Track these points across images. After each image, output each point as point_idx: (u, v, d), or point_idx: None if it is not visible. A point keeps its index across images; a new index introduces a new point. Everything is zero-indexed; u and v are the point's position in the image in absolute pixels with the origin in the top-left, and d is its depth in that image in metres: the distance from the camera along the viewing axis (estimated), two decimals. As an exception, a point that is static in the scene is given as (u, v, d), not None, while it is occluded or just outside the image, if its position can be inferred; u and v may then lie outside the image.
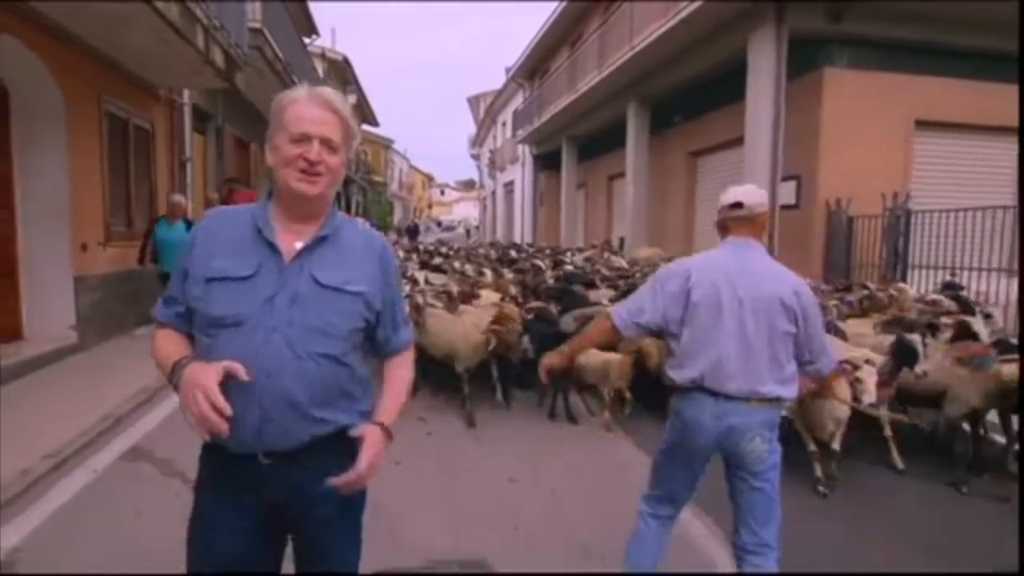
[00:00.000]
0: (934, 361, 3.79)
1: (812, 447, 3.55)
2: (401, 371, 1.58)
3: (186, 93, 9.03)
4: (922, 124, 9.41)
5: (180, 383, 1.29)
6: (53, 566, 2.64)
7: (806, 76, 9.19)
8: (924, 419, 4.56)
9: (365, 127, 32.99)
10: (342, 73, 23.69)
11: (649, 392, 4.61)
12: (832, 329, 4.76)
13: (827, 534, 3.10)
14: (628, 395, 4.71)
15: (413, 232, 31.81)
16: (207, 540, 1.39)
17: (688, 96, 12.28)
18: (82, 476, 3.55)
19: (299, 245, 1.38)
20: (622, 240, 14.51)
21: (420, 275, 7.46)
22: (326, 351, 1.36)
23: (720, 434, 2.07)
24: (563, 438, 4.46)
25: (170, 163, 8.81)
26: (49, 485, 3.39)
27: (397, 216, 44.16)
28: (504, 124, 29.57)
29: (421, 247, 14.70)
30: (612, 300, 5.54)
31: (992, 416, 4.10)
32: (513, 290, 6.49)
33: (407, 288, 6.17)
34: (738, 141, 9.87)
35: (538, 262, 9.32)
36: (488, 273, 8.12)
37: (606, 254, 11.52)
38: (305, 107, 1.37)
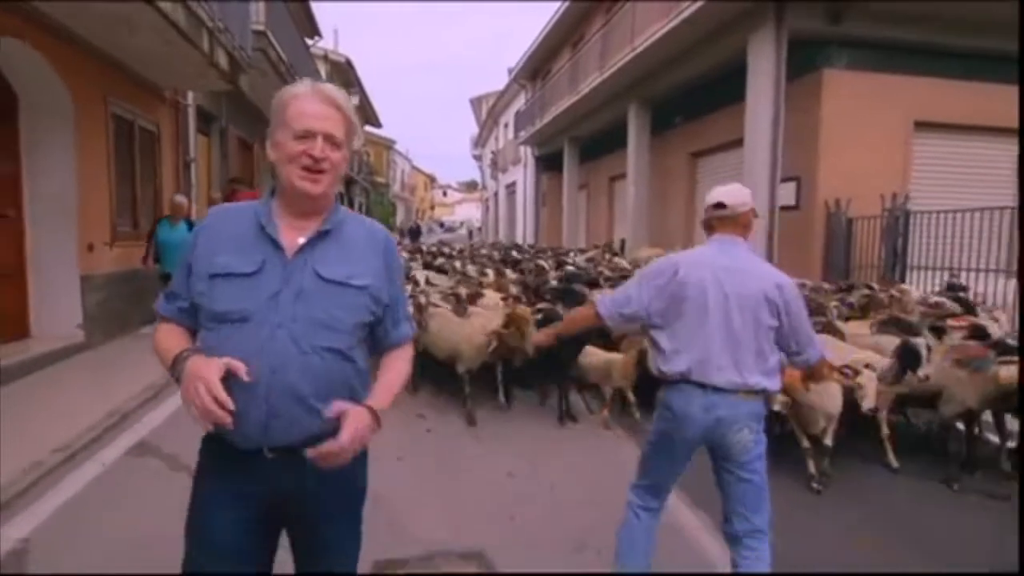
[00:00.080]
0: (934, 362, 3.83)
1: (806, 444, 3.61)
2: (399, 363, 1.57)
3: (190, 95, 9.11)
4: (921, 125, 9.46)
5: (182, 375, 1.30)
6: (63, 556, 2.72)
7: (806, 77, 9.25)
8: (920, 419, 4.63)
9: (367, 128, 33.11)
10: (344, 75, 23.79)
11: (652, 392, 4.65)
12: (830, 329, 4.83)
13: (820, 530, 3.15)
14: (632, 397, 4.73)
15: (415, 233, 31.92)
16: (207, 530, 1.40)
17: (689, 97, 12.34)
18: (91, 469, 3.63)
19: (301, 240, 1.39)
20: (623, 242, 14.57)
21: (422, 275, 7.53)
22: (331, 345, 1.37)
23: (708, 426, 2.13)
24: (562, 436, 4.52)
25: (175, 164, 8.90)
26: (59, 478, 3.47)
27: (399, 217, 44.26)
28: (506, 125, 29.64)
29: (424, 247, 14.78)
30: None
31: (987, 415, 4.15)
32: (514, 290, 6.55)
33: (409, 288, 6.24)
34: (738, 142, 9.92)
35: (541, 262, 9.40)
36: (490, 273, 8.20)
37: (607, 255, 11.58)
38: (308, 103, 1.37)
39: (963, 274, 7.26)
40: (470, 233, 42.40)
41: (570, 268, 8.89)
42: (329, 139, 1.37)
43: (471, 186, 68.01)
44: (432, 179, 72.48)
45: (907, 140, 9.44)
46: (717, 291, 2.14)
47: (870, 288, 6.34)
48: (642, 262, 10.14)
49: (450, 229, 54.53)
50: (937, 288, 7.30)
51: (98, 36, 6.19)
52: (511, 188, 30.16)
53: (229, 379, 1.26)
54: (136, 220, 7.61)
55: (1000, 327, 4.85)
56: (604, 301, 2.37)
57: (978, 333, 4.22)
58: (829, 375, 2.46)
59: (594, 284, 6.94)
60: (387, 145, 41.89)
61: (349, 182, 27.17)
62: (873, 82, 9.15)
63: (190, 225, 6.86)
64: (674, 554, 2.80)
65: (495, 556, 2.78)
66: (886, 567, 2.82)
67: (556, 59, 20.43)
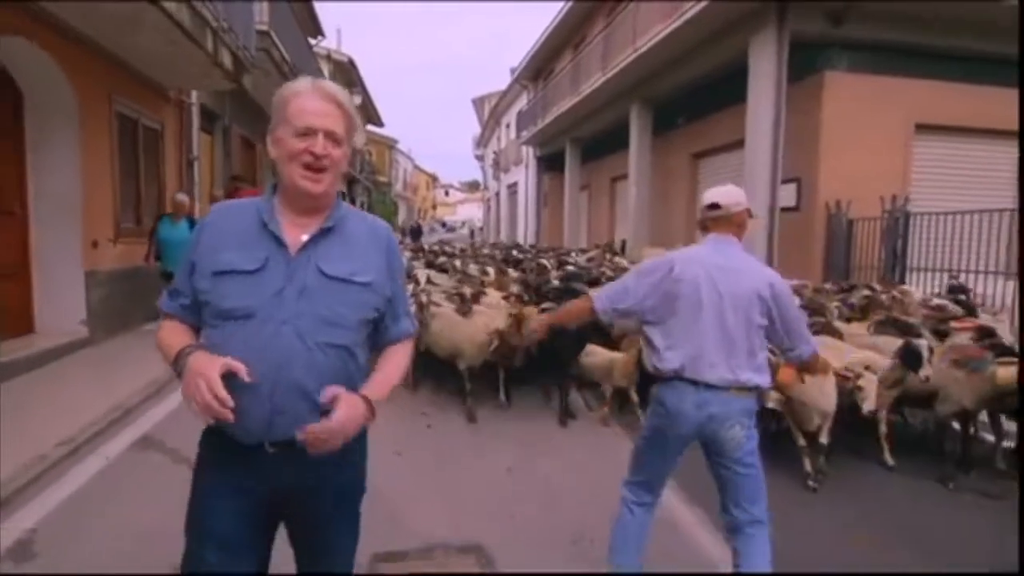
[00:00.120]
0: (934, 364, 3.86)
1: (802, 442, 3.64)
2: (397, 357, 1.56)
3: (194, 94, 9.16)
4: (922, 127, 9.48)
5: (184, 371, 1.31)
6: (69, 545, 2.77)
7: (807, 79, 9.28)
8: (916, 418, 4.67)
9: (370, 128, 33.16)
10: (347, 74, 23.85)
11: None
12: (829, 330, 4.86)
13: (816, 527, 3.17)
14: (635, 396, 4.74)
15: (417, 232, 31.96)
16: (207, 522, 1.40)
17: (690, 98, 12.37)
18: (95, 463, 3.68)
19: (305, 238, 1.40)
20: (624, 243, 14.61)
21: (423, 274, 7.57)
22: (335, 342, 1.38)
23: (701, 422, 2.16)
24: (561, 434, 4.56)
25: (178, 162, 8.95)
26: (63, 471, 3.52)
27: (401, 216, 44.31)
28: (508, 125, 29.69)
29: (426, 247, 14.83)
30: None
31: (982, 415, 4.18)
32: (515, 288, 6.59)
33: (411, 287, 6.27)
34: (740, 143, 9.95)
35: (543, 261, 9.44)
36: (491, 272, 8.24)
37: (607, 256, 11.62)
38: (309, 100, 1.37)
39: (962, 276, 7.28)
40: (472, 233, 42.44)
41: (571, 268, 8.93)
42: (330, 136, 1.38)
43: (473, 186, 68.08)
44: (434, 179, 72.52)
45: (908, 142, 9.46)
46: (711, 289, 2.18)
47: (871, 289, 6.35)
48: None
49: (451, 229, 54.58)
50: (937, 290, 7.34)
51: (104, 36, 6.25)
52: (513, 188, 30.21)
53: (232, 376, 1.27)
54: (139, 217, 7.66)
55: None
56: (600, 296, 2.41)
57: (985, 335, 4.20)
58: (824, 368, 2.50)
59: (595, 283, 6.97)
60: (389, 144, 41.96)
61: (351, 181, 27.22)
62: (874, 84, 9.18)
63: (191, 223, 6.86)
64: (671, 550, 2.84)
65: (493, 549, 2.82)
66: (882, 565, 2.85)
67: (558, 59, 20.48)
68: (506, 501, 3.39)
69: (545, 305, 5.57)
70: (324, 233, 1.42)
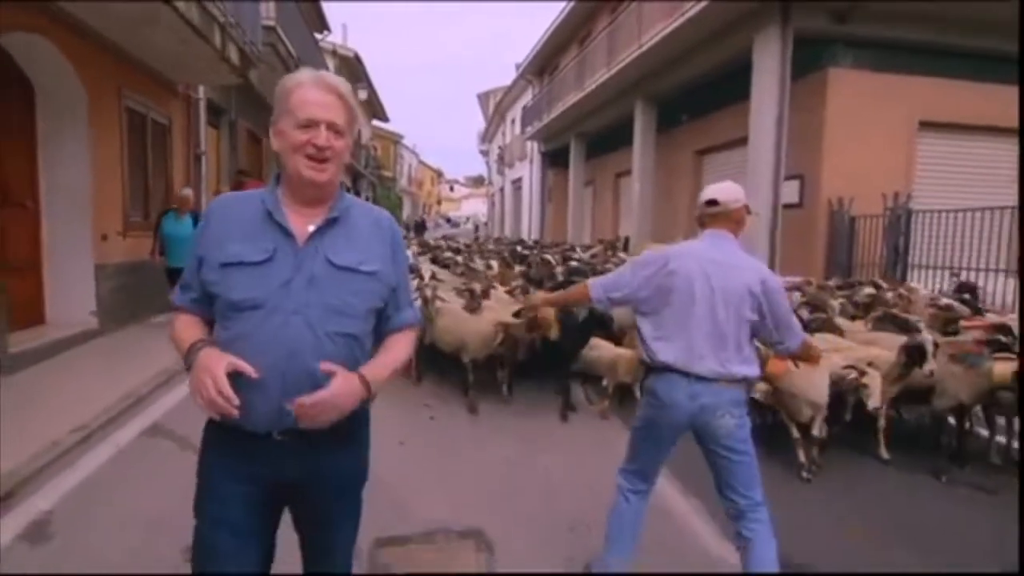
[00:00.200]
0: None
1: (796, 434, 3.71)
2: (399, 345, 1.57)
3: (201, 88, 9.24)
4: (925, 125, 9.50)
5: (192, 367, 1.34)
6: (82, 527, 2.87)
7: (810, 76, 9.29)
8: (911, 413, 4.72)
9: (375, 123, 33.22)
10: (353, 69, 23.89)
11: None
12: (830, 327, 4.91)
13: (810, 519, 3.23)
14: (638, 394, 4.80)
15: (420, 227, 32.05)
16: (217, 510, 1.42)
17: (694, 95, 12.39)
18: (106, 450, 3.78)
19: (311, 228, 1.41)
20: (627, 239, 14.65)
21: (427, 269, 7.65)
22: (344, 330, 1.41)
23: (693, 413, 2.23)
24: (561, 426, 4.63)
25: (186, 156, 9.04)
26: (76, 457, 3.62)
27: (406, 211, 44.36)
28: (513, 121, 29.72)
29: (431, 241, 14.92)
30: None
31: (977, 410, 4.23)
32: (516, 283, 6.66)
33: (416, 283, 6.34)
34: (743, 140, 9.96)
35: (547, 256, 9.51)
36: (495, 265, 8.32)
37: (609, 252, 11.69)
38: (310, 91, 1.38)
39: (964, 273, 7.31)
40: (476, 228, 42.50)
41: (574, 263, 9.00)
42: (332, 127, 1.39)
43: (478, 181, 67.99)
44: (439, 174, 72.53)
45: (911, 139, 9.48)
46: (704, 284, 2.24)
47: (877, 287, 6.38)
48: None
49: (456, 224, 54.59)
50: (940, 287, 7.38)
51: (117, 33, 6.35)
52: (517, 183, 30.24)
53: (240, 372, 1.31)
54: (148, 211, 7.75)
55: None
56: (596, 285, 2.49)
57: (1000, 331, 4.21)
58: (816, 357, 2.57)
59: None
60: (394, 140, 41.99)
61: (356, 176, 27.29)
62: (878, 81, 9.19)
63: (196, 219, 6.77)
64: (667, 539, 2.92)
65: (492, 535, 2.90)
66: (875, 556, 2.91)
67: (563, 55, 20.49)
68: (506, 490, 3.47)
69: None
70: (330, 223, 1.43)
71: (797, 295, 6.14)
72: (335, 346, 1.39)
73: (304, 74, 1.43)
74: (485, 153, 40.99)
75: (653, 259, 2.38)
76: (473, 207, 66.07)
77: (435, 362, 5.56)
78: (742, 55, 9.61)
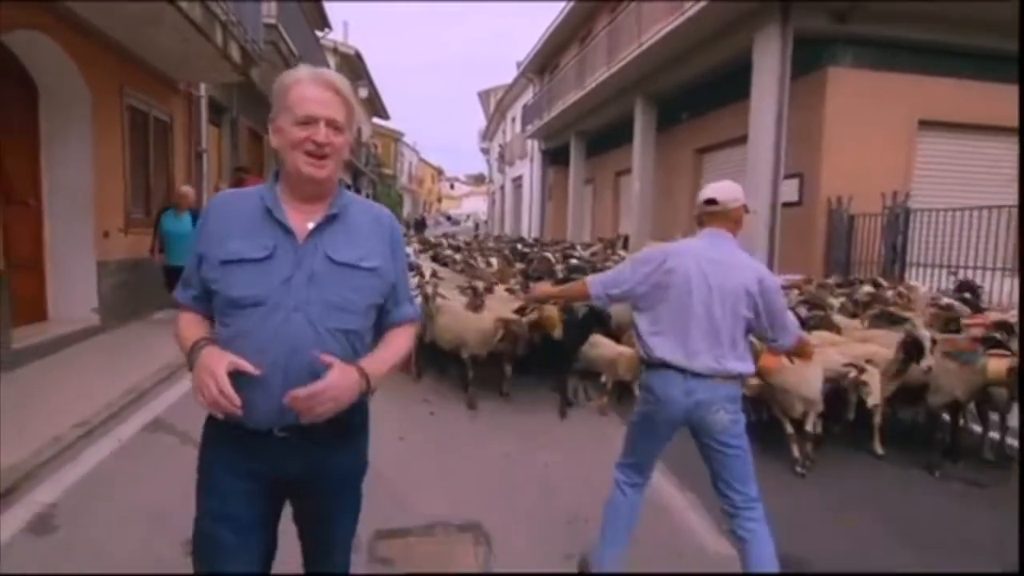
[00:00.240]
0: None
1: (789, 429, 3.75)
2: (399, 339, 1.57)
3: (203, 86, 9.28)
4: (925, 124, 9.53)
5: (194, 366, 1.34)
6: (85, 520, 2.91)
7: (810, 75, 9.32)
8: (906, 411, 4.75)
9: (376, 120, 33.23)
10: (354, 67, 23.90)
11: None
12: (828, 324, 4.94)
13: (803, 511, 3.26)
14: (637, 391, 4.82)
15: (421, 225, 32.11)
16: (219, 506, 1.43)
17: (694, 93, 12.43)
18: (108, 444, 3.83)
19: (311, 225, 1.41)
20: (626, 238, 14.69)
21: (428, 267, 7.68)
22: (345, 327, 1.41)
23: (688, 408, 2.26)
24: (559, 422, 4.68)
25: (187, 154, 9.09)
26: (79, 451, 3.67)
27: (407, 209, 44.39)
28: (514, 119, 29.73)
29: (432, 239, 14.97)
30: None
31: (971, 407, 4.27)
32: (513, 281, 6.70)
33: (416, 280, 6.38)
34: (743, 139, 10.00)
35: (547, 254, 9.56)
36: (495, 263, 8.36)
37: (609, 251, 11.74)
38: (309, 88, 1.38)
39: (962, 272, 7.35)
40: (476, 226, 42.53)
41: (574, 261, 9.05)
42: (331, 124, 1.39)
43: (478, 179, 67.99)
44: (440, 171, 72.49)
45: (911, 138, 9.51)
46: (701, 282, 2.27)
47: (876, 285, 6.40)
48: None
49: (456, 222, 54.61)
50: (937, 286, 7.41)
51: (120, 32, 6.39)
52: (518, 181, 30.27)
53: (250, 360, 1.32)
54: (149, 208, 7.79)
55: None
56: (595, 282, 2.53)
57: (1003, 329, 4.25)
58: (810, 353, 2.61)
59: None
60: (395, 137, 42.00)
61: (357, 173, 27.32)
62: (877, 80, 9.22)
63: (195, 216, 6.66)
64: (664, 533, 2.97)
65: (491, 528, 2.94)
66: (868, 549, 2.95)
67: (564, 54, 20.51)
68: (505, 485, 3.51)
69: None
70: (330, 220, 1.43)
71: (794, 292, 6.18)
72: (336, 342, 1.39)
73: (302, 71, 1.42)
74: (486, 151, 41.00)
75: (652, 256, 2.41)
76: (474, 205, 66.08)
77: (435, 359, 5.60)
78: (742, 54, 9.64)
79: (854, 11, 8.73)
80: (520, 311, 4.72)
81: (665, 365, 2.28)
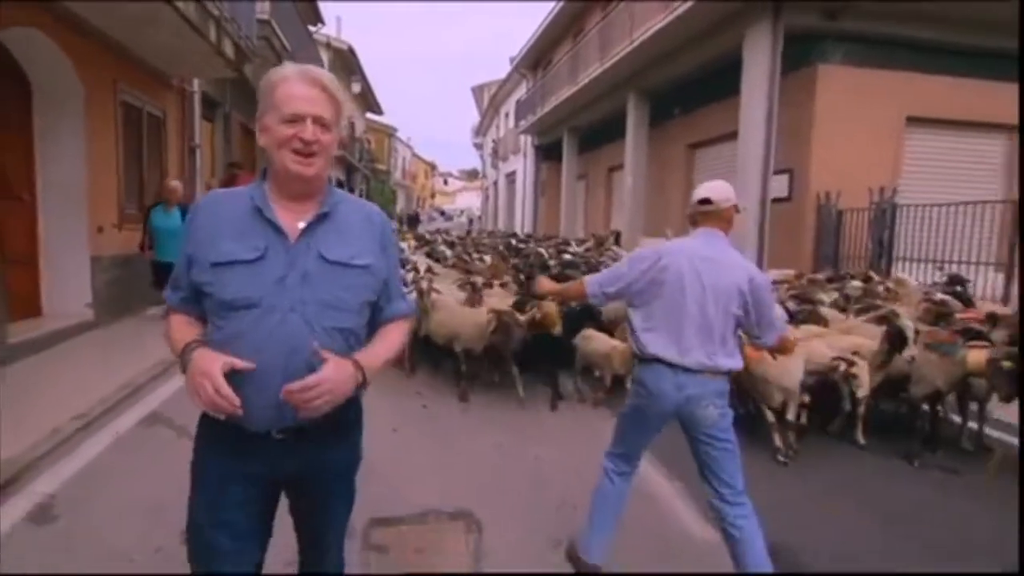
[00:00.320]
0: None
1: (771, 418, 3.85)
2: (393, 334, 1.58)
3: (196, 82, 9.28)
4: (913, 120, 9.64)
5: (188, 368, 1.33)
6: (85, 510, 2.97)
7: (800, 72, 9.41)
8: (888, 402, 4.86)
9: (369, 115, 33.15)
10: (347, 62, 23.85)
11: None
12: (816, 318, 5.04)
13: (785, 498, 3.35)
14: (629, 385, 4.87)
15: (413, 220, 32.16)
16: (216, 513, 1.43)
17: (686, 89, 12.50)
18: (106, 437, 3.88)
19: (302, 224, 1.40)
20: (617, 234, 14.78)
21: (423, 263, 7.75)
22: (340, 325, 1.41)
23: (679, 402, 2.33)
24: (548, 414, 4.77)
25: (180, 150, 9.10)
26: (77, 444, 3.72)
27: (400, 205, 44.33)
28: (507, 114, 29.71)
29: (427, 235, 15.03)
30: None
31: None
32: (507, 277, 6.77)
33: (411, 276, 6.44)
34: (735, 134, 10.09)
35: (541, 249, 9.65)
36: (487, 260, 8.44)
37: (600, 247, 11.85)
38: (295, 86, 1.37)
39: (947, 266, 7.46)
40: (470, 221, 42.52)
41: (568, 256, 9.14)
42: (318, 121, 1.37)
43: (472, 174, 67.96)
44: (433, 167, 72.34)
45: (899, 135, 9.62)
46: (695, 280, 2.34)
47: (868, 279, 6.48)
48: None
49: (449, 217, 54.56)
50: (923, 280, 7.51)
51: (116, 30, 6.42)
52: (511, 177, 30.29)
53: (237, 370, 1.30)
54: (143, 204, 7.78)
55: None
56: (592, 281, 2.59)
57: (992, 321, 4.37)
58: (791, 349, 2.70)
59: (595, 271, 7.15)
60: (388, 133, 41.90)
61: (350, 169, 27.28)
62: (866, 77, 9.32)
63: (184, 211, 6.63)
64: (650, 520, 3.05)
65: (482, 515, 3.02)
66: (848, 534, 3.04)
67: (557, 49, 20.53)
68: (496, 476, 3.59)
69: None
70: (320, 219, 1.43)
71: (784, 287, 6.29)
72: (332, 341, 1.39)
73: (288, 68, 1.41)
74: (479, 146, 40.96)
75: (648, 254, 2.47)
76: (467, 200, 65.96)
77: (428, 353, 5.67)
78: (733, 50, 9.72)
79: (845, 9, 8.81)
80: (520, 307, 4.78)
81: (657, 360, 2.35)
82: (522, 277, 6.72)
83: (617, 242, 13.67)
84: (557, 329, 4.54)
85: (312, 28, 16.80)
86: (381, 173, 37.85)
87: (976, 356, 3.77)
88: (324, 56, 19.68)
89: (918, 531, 3.10)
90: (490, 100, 33.50)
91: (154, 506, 2.94)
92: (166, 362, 5.29)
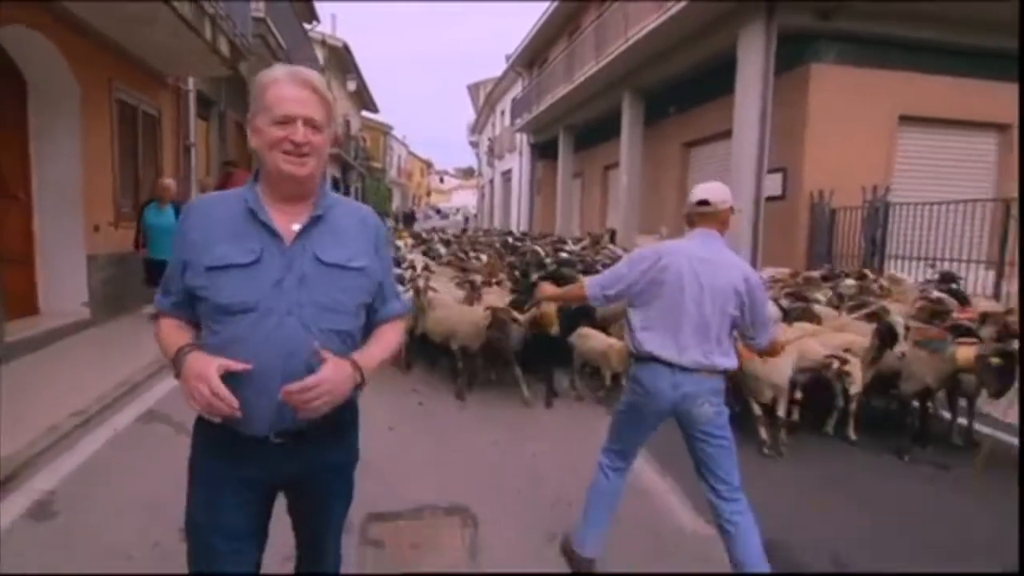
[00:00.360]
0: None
1: (758, 411, 3.92)
2: (389, 334, 1.58)
3: (191, 80, 9.27)
4: (905, 119, 9.71)
5: (182, 373, 1.32)
6: (84, 506, 3.00)
7: (794, 71, 9.47)
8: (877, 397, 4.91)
9: (365, 113, 33.09)
10: (342, 59, 23.79)
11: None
12: (809, 315, 5.10)
13: (780, 494, 3.39)
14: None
15: (409, 218, 32.19)
16: (214, 518, 1.43)
17: (681, 88, 12.55)
18: (104, 434, 3.91)
19: (296, 227, 1.40)
20: (613, 233, 14.84)
21: (420, 261, 7.78)
22: (338, 327, 1.42)
23: (675, 401, 2.37)
24: (545, 411, 4.81)
25: (175, 148, 9.10)
26: (75, 441, 3.75)
27: (396, 202, 44.28)
28: (503, 112, 29.72)
29: (423, 234, 15.06)
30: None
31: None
32: (502, 275, 6.81)
33: (408, 273, 6.48)
34: (729, 133, 10.14)
35: (537, 248, 9.70)
36: (484, 258, 8.48)
37: (597, 245, 11.90)
38: (286, 87, 1.36)
39: (939, 264, 7.55)
40: (466, 219, 42.53)
41: (564, 255, 9.19)
42: (309, 123, 1.37)
43: (468, 172, 67.97)
44: (429, 165, 72.25)
45: (891, 134, 9.69)
46: (693, 280, 2.37)
47: (862, 276, 6.53)
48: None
49: (445, 216, 54.57)
50: (915, 277, 7.59)
51: (112, 29, 6.43)
52: (507, 175, 30.31)
53: (233, 373, 1.30)
54: (138, 202, 7.78)
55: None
56: (593, 284, 2.63)
57: (983, 319, 4.48)
58: (778, 351, 2.75)
59: (591, 269, 7.22)
60: (384, 130, 41.77)
61: (346, 167, 27.25)
62: (859, 77, 9.39)
63: (177, 209, 6.63)
64: (644, 515, 3.09)
65: (478, 511, 3.06)
66: (840, 527, 3.09)
67: (553, 48, 20.55)
68: (492, 471, 3.63)
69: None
70: (315, 221, 1.42)
71: (779, 285, 6.35)
72: (329, 343, 1.39)
73: (279, 70, 1.40)
74: (475, 144, 40.95)
75: (648, 254, 2.50)
76: (463, 198, 65.93)
77: (425, 351, 5.70)
78: (728, 49, 9.77)
79: (838, 8, 8.87)
80: (519, 306, 4.82)
81: (654, 359, 2.39)
82: (517, 274, 6.76)
83: (612, 240, 13.72)
84: (555, 329, 4.57)
85: (307, 26, 16.76)
86: (377, 171, 37.78)
87: (965, 352, 3.83)
88: (319, 54, 19.65)
89: (908, 525, 3.14)
90: (486, 98, 33.47)
91: (152, 502, 2.97)
92: (162, 361, 5.22)
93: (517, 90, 25.04)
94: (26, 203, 6.09)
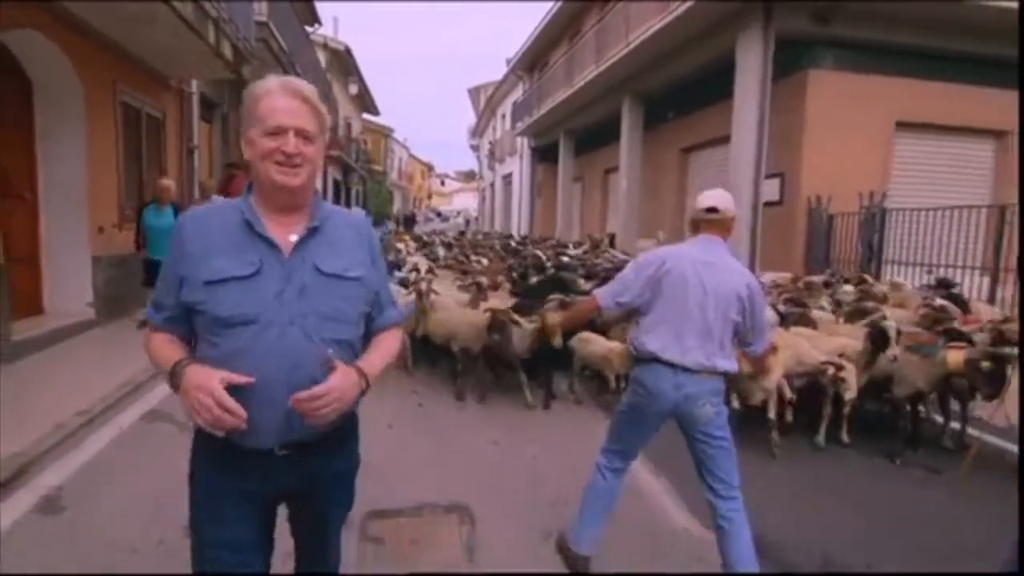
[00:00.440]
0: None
1: (736, 404, 3.98)
2: (388, 341, 1.60)
3: (194, 83, 9.35)
4: (902, 125, 9.78)
5: (181, 385, 1.31)
6: (91, 502, 3.06)
7: (792, 77, 9.54)
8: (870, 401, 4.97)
9: (366, 116, 33.20)
10: (344, 62, 23.89)
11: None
12: (806, 320, 5.15)
13: (774, 495, 3.44)
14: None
15: (409, 221, 32.28)
16: (218, 531, 1.43)
17: (680, 93, 12.63)
18: (109, 432, 3.98)
19: (294, 238, 1.40)
20: (612, 237, 14.91)
21: (424, 264, 7.85)
22: (340, 337, 1.42)
23: (677, 401, 2.42)
24: (545, 413, 4.87)
25: (179, 150, 9.18)
26: (81, 439, 3.82)
27: (397, 205, 44.35)
28: (504, 116, 29.79)
29: (425, 237, 15.14)
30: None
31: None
32: (500, 278, 6.88)
33: (412, 276, 6.54)
34: (728, 138, 10.19)
35: (538, 252, 9.78)
36: (484, 262, 8.56)
37: (597, 249, 12.00)
38: (278, 99, 1.36)
39: (936, 270, 7.59)
40: (466, 223, 42.58)
41: (565, 259, 9.28)
42: (301, 133, 1.37)
43: (469, 176, 67.98)
44: (430, 168, 72.34)
45: (888, 140, 9.77)
46: (697, 284, 2.43)
47: (862, 280, 6.59)
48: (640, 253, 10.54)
49: (446, 218, 54.60)
50: (912, 284, 7.64)
51: (114, 31, 6.50)
52: (508, 179, 30.36)
53: (235, 386, 1.28)
54: (142, 204, 7.87)
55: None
56: (603, 294, 2.67)
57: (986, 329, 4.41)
58: (772, 359, 2.82)
59: (592, 274, 7.29)
60: (385, 133, 41.87)
61: (347, 170, 27.34)
62: (856, 83, 9.46)
63: (177, 210, 6.58)
64: (638, 514, 3.14)
65: (476, 509, 3.11)
66: (832, 528, 3.14)
67: (553, 52, 20.63)
68: (491, 472, 3.69)
69: (551, 297, 5.72)
70: (312, 232, 1.43)
71: (777, 291, 6.42)
72: (334, 353, 1.39)
73: (271, 81, 1.41)
74: (476, 148, 41.02)
75: (652, 259, 2.56)
76: (464, 201, 65.96)
77: (426, 353, 5.76)
78: (726, 55, 9.84)
79: (836, 12, 8.93)
80: (517, 309, 4.86)
81: (656, 360, 2.44)
82: (515, 276, 6.82)
83: (612, 244, 13.79)
84: (557, 341, 4.45)
85: (309, 29, 16.86)
86: (378, 174, 37.85)
87: (955, 356, 3.88)
88: (321, 57, 19.75)
89: (899, 527, 3.20)
90: (487, 102, 33.54)
91: (156, 499, 3.04)
92: (166, 361, 5.36)
93: (518, 94, 25.10)
94: (32, 203, 6.16)
